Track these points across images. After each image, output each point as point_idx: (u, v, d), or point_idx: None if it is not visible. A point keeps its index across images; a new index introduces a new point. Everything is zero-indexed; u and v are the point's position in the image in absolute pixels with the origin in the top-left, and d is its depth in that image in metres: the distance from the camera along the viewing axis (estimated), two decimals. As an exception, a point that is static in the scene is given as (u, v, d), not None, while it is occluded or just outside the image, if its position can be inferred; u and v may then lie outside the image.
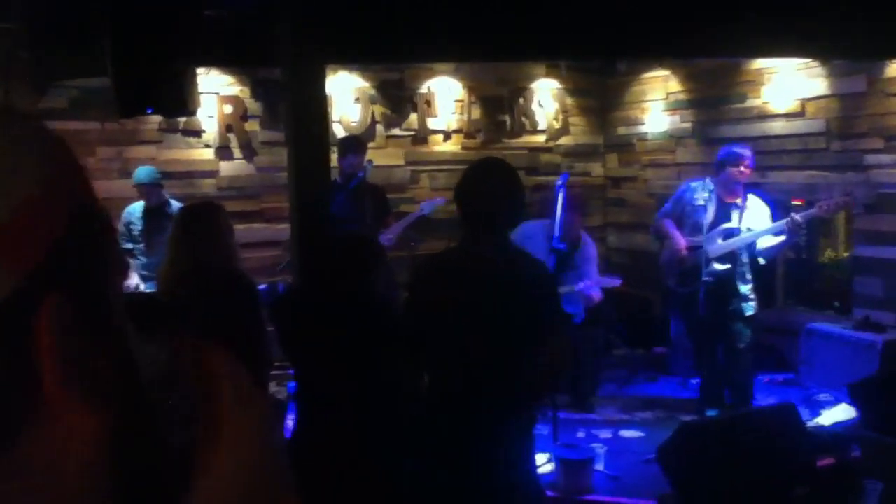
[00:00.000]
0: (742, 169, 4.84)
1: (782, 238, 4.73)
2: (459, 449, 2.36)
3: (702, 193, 5.00)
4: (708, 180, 5.03)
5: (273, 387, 4.77)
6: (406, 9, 3.65)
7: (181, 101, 3.61)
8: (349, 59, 5.61)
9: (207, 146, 6.44)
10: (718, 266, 4.89)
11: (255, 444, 0.51)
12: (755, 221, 4.87)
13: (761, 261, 4.92)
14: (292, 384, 4.22)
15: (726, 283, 4.88)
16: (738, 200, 4.91)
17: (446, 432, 2.38)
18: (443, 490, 2.37)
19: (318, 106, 4.29)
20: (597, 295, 5.04)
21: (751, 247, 4.87)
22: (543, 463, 4.05)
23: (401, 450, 2.47)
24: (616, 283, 5.31)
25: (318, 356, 2.46)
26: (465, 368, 2.33)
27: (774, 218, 4.88)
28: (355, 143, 5.80)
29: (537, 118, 7.45)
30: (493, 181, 2.41)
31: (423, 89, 7.05)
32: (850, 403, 4.54)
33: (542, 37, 4.03)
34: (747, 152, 4.91)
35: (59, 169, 0.48)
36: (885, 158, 5.36)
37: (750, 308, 4.92)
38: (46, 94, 5.78)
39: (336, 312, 2.44)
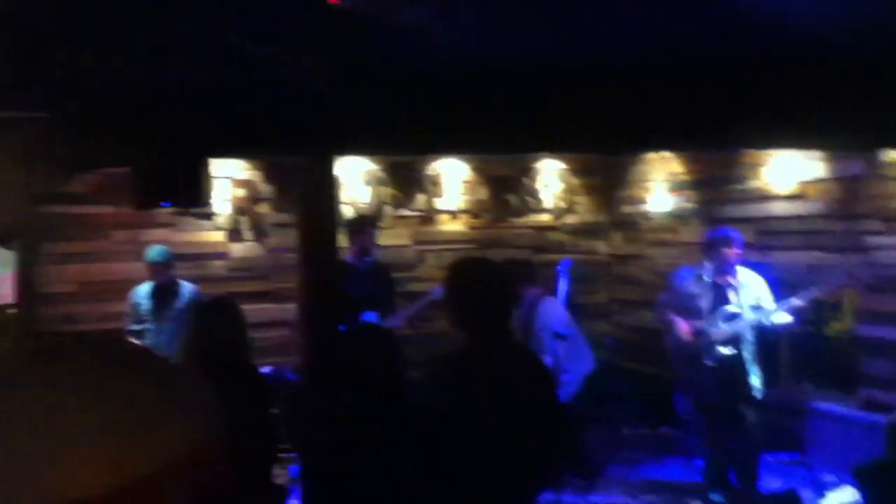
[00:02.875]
0: (733, 251, 4.92)
1: (791, 319, 4.76)
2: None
3: (694, 279, 5.05)
4: (702, 264, 5.08)
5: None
6: (415, 107, 3.82)
7: (196, 194, 3.74)
8: (359, 152, 5.79)
9: (218, 229, 6.59)
10: (723, 350, 4.91)
11: None
12: (755, 297, 4.90)
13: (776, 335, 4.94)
14: (294, 468, 4.24)
15: (733, 367, 4.89)
16: (732, 280, 4.96)
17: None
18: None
19: (328, 192, 4.44)
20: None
21: (759, 326, 4.89)
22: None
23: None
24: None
25: (332, 450, 2.50)
26: (487, 468, 2.37)
27: (774, 292, 4.91)
28: (365, 223, 5.94)
29: (542, 197, 7.61)
30: (482, 285, 2.42)
31: (431, 171, 7.23)
32: (855, 486, 4.50)
33: (546, 134, 4.18)
34: (737, 234, 4.99)
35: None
36: (886, 241, 5.42)
37: (758, 392, 4.91)
38: (69, 180, 5.97)
39: (352, 408, 2.47)
